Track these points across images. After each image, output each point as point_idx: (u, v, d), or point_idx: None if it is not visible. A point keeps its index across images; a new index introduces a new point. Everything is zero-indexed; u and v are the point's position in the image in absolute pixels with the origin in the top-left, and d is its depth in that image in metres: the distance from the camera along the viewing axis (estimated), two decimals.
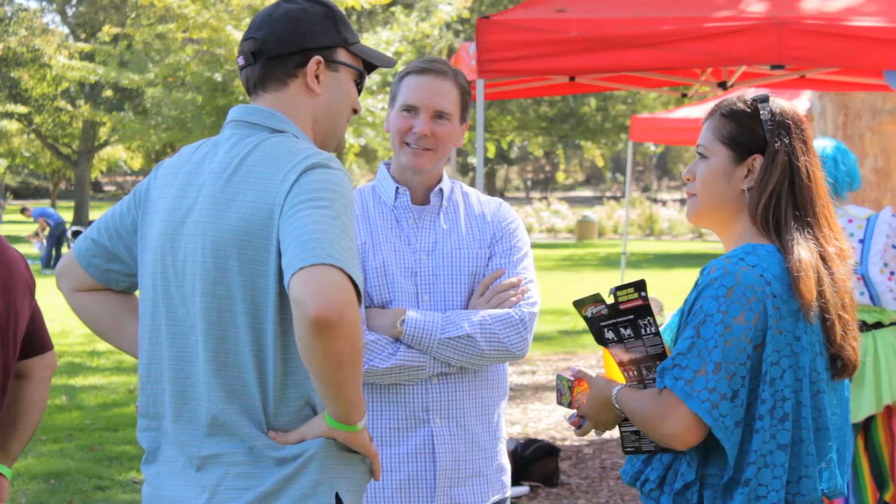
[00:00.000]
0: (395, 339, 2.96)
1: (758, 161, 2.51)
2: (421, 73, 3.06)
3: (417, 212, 3.10)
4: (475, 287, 3.04)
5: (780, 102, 2.56)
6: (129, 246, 2.50)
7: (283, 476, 2.30)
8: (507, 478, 3.15)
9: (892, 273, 5.20)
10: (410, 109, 3.04)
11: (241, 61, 2.48)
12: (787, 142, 2.51)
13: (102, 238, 2.53)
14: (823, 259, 2.45)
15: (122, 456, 7.34)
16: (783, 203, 2.48)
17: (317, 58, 2.44)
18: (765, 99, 2.56)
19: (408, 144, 3.05)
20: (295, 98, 2.45)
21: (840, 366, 2.50)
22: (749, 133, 2.54)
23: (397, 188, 3.10)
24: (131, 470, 6.99)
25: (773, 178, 2.49)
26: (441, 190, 3.11)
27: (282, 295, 2.28)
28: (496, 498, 3.11)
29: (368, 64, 2.56)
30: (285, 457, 2.31)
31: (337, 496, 2.33)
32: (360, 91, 2.55)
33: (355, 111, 2.56)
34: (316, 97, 2.46)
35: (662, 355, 2.50)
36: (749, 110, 2.55)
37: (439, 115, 3.04)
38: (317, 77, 2.45)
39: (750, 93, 2.60)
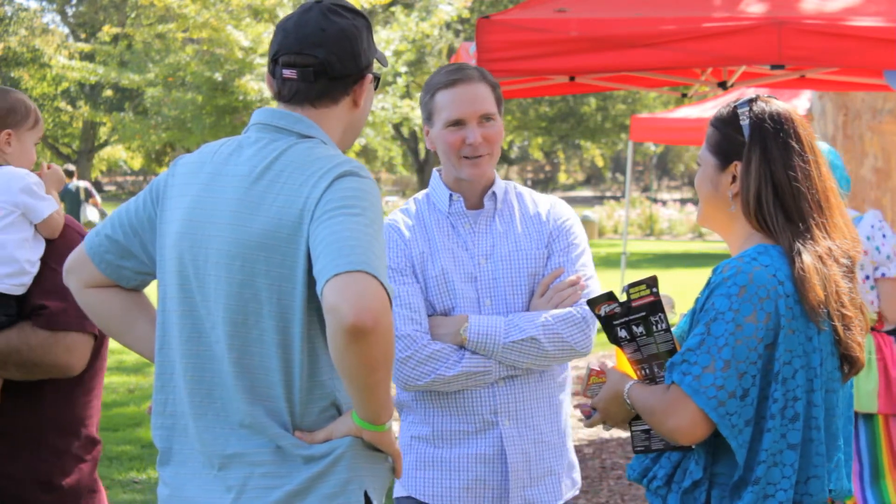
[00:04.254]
0: (459, 347, 2.96)
1: (739, 168, 2.53)
2: (452, 85, 3.05)
3: (472, 216, 3.11)
4: (535, 288, 3.05)
5: (766, 105, 2.55)
6: (144, 242, 2.49)
7: (311, 474, 2.30)
8: (578, 474, 3.18)
9: (866, 277, 5.22)
10: (457, 123, 3.04)
11: (291, 74, 2.43)
12: (763, 147, 2.50)
13: (116, 234, 2.51)
14: (821, 258, 2.46)
15: (122, 456, 7.35)
16: (770, 207, 2.49)
17: (370, 76, 2.48)
18: (747, 103, 2.55)
19: (465, 157, 3.05)
20: (340, 112, 2.47)
21: (848, 365, 2.51)
22: (729, 140, 2.56)
23: (451, 195, 3.11)
24: (131, 470, 6.99)
25: (752, 185, 2.51)
26: (494, 193, 3.11)
27: (309, 298, 2.28)
28: (569, 495, 3.14)
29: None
30: (313, 455, 2.31)
31: (366, 495, 2.34)
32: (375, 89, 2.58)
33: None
34: (357, 109, 2.50)
35: (673, 352, 2.51)
36: (729, 118, 2.56)
37: (486, 119, 3.05)
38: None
39: (749, 93, 2.61)
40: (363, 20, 2.48)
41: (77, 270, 2.55)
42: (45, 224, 3.18)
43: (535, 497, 3.05)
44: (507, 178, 63.05)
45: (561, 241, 3.09)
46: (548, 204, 3.16)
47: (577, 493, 3.18)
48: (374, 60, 2.55)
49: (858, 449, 5.39)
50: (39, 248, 3.19)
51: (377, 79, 2.55)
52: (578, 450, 7.47)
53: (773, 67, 6.20)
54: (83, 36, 37.01)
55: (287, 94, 2.45)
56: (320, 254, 2.20)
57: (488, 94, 3.06)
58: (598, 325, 2.83)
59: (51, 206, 3.19)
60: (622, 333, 2.57)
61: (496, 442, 3.02)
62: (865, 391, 5.32)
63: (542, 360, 2.98)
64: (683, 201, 44.12)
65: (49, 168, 3.38)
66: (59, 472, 3.17)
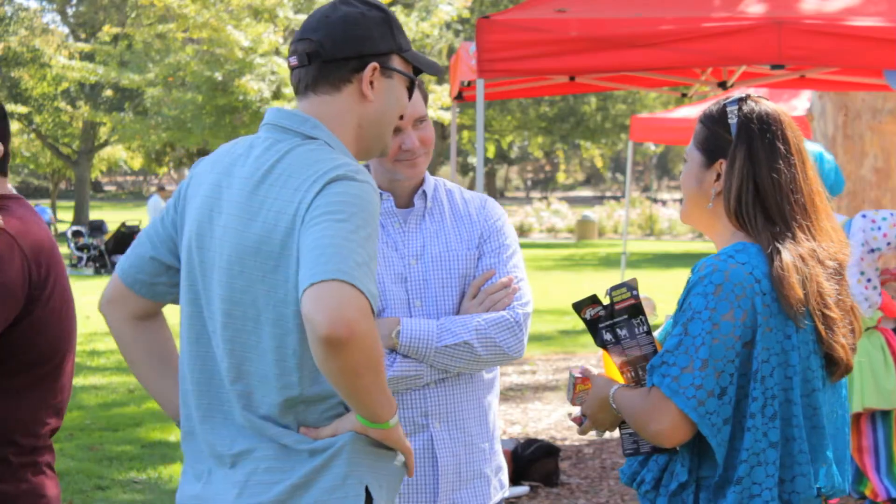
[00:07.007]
0: (390, 350, 2.91)
1: (724, 165, 2.52)
2: None
3: (402, 216, 3.03)
4: (466, 289, 3.00)
5: (755, 105, 2.54)
6: (172, 249, 2.48)
7: (312, 468, 2.30)
8: (506, 476, 3.15)
9: (868, 280, 5.25)
10: (395, 130, 2.93)
11: (293, 62, 2.44)
12: (749, 147, 2.49)
13: (145, 248, 2.50)
14: (802, 258, 2.45)
15: (122, 456, 7.35)
16: (750, 208, 2.48)
17: (373, 64, 2.41)
18: (736, 102, 2.54)
19: (401, 161, 2.99)
20: (345, 103, 2.42)
21: (833, 365, 2.50)
22: (716, 138, 2.54)
23: (381, 194, 3.02)
24: (131, 470, 6.99)
25: (734, 184, 2.49)
26: (424, 192, 3.05)
27: None
28: (497, 498, 3.10)
29: (415, 69, 2.54)
30: (315, 448, 2.31)
31: (367, 490, 2.33)
32: (410, 97, 2.53)
33: (401, 117, 2.54)
34: (368, 103, 2.43)
35: (655, 354, 2.51)
36: (717, 115, 2.55)
37: (420, 121, 3.00)
38: (371, 83, 2.42)
39: (739, 92, 2.60)
40: (380, 12, 2.44)
41: (115, 300, 2.54)
42: None
43: (463, 499, 3.01)
44: (507, 178, 63.03)
45: (492, 241, 3.03)
46: (478, 203, 3.10)
47: (507, 494, 3.14)
48: (410, 64, 2.50)
49: (876, 443, 5.41)
50: None
51: (412, 84, 2.51)
52: (578, 450, 7.47)
53: (773, 67, 6.21)
54: (83, 36, 37.03)
55: (295, 83, 2.46)
56: (302, 262, 2.19)
57: (418, 96, 2.99)
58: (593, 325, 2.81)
59: None
60: (607, 336, 2.57)
61: (427, 444, 2.97)
62: (889, 389, 5.33)
63: (475, 365, 2.93)
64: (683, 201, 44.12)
65: None
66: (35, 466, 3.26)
